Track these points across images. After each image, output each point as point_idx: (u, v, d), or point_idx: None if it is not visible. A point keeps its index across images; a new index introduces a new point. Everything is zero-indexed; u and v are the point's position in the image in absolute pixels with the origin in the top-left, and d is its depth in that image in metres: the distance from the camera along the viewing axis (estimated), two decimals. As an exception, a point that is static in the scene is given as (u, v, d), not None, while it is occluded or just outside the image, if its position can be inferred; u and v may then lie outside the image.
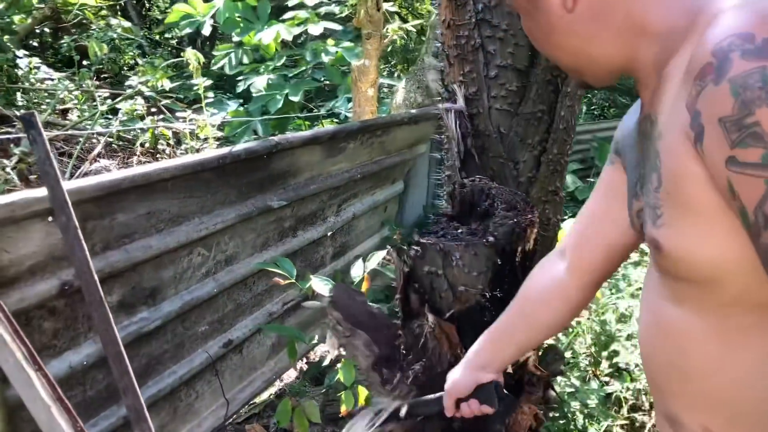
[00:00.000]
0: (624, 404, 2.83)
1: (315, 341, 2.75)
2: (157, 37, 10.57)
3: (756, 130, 0.71)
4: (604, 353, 3.01)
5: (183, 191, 2.32)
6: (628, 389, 2.82)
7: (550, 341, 2.93)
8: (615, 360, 2.90)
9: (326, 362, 2.45)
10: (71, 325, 1.96)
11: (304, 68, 5.36)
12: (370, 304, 2.09)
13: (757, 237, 0.75)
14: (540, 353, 2.06)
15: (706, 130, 0.76)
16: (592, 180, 5.83)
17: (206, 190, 2.43)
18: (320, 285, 2.37)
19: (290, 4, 4.95)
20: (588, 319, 3.04)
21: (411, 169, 3.99)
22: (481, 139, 2.07)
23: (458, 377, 1.45)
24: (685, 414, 0.99)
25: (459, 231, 1.75)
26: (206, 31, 4.53)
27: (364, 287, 2.37)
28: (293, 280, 2.43)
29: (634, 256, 3.69)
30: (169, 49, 10.34)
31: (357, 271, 2.48)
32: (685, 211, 0.84)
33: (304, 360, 3.46)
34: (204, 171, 2.36)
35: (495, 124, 2.05)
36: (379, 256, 2.51)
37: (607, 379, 3.00)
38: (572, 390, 2.69)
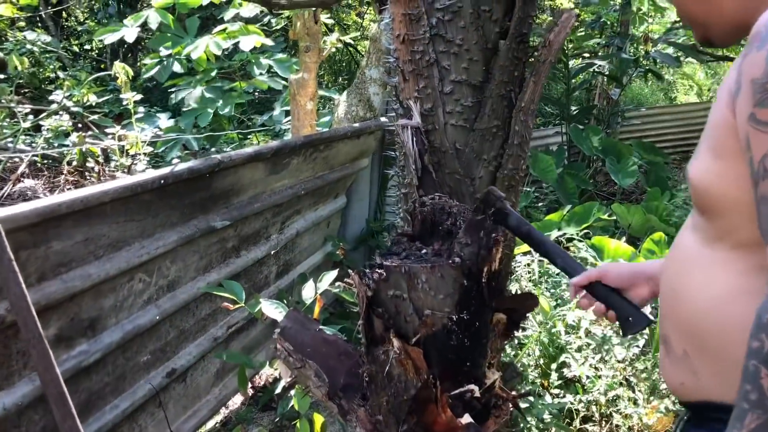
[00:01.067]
0: (576, 416, 2.84)
1: (262, 365, 2.65)
2: (77, 49, 10.19)
3: None
4: (554, 365, 3.01)
5: (122, 215, 2.19)
6: (580, 401, 2.83)
7: (506, 358, 2.91)
8: (565, 371, 2.90)
9: (278, 389, 2.35)
10: (4, 363, 1.81)
11: (236, 82, 5.23)
12: (326, 330, 2.02)
13: (755, 184, 0.90)
14: (500, 364, 2.03)
15: (742, 88, 0.91)
16: (527, 189, 5.89)
17: (147, 213, 2.30)
18: (270, 308, 2.28)
19: (226, 17, 4.81)
20: (538, 331, 3.03)
21: (353, 183, 3.93)
22: (437, 156, 2.02)
23: (616, 265, 1.46)
24: (673, 335, 1.16)
25: (423, 252, 1.70)
26: (130, 38, 4.33)
27: (317, 310, 2.29)
28: (242, 304, 2.33)
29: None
30: (91, 61, 9.98)
31: (308, 292, 2.40)
32: (714, 152, 1.02)
33: (250, 384, 3.34)
34: (144, 192, 2.23)
35: (451, 140, 2.01)
36: (330, 277, 2.44)
37: (557, 391, 2.99)
38: (527, 405, 2.67)
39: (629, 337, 2.90)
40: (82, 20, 11.10)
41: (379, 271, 1.64)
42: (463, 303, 1.63)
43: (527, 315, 2.15)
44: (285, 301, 3.11)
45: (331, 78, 12.62)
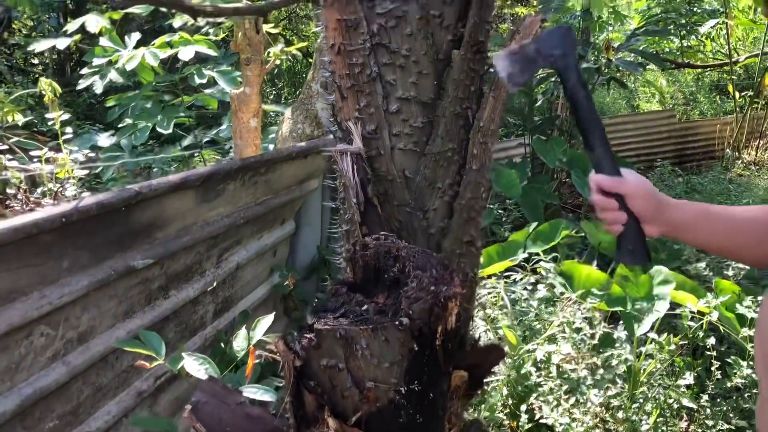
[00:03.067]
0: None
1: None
2: (19, 63, 9.74)
3: None
4: (523, 406, 2.73)
5: (15, 261, 1.86)
6: (553, 449, 2.55)
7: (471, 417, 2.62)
8: (537, 416, 2.62)
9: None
10: None
11: (180, 97, 4.89)
12: (254, 393, 1.71)
13: None
14: (462, 426, 1.74)
15: None
16: (490, 206, 5.64)
17: (47, 256, 1.96)
18: (195, 366, 1.95)
19: (176, 25, 4.48)
20: (506, 372, 2.75)
21: (302, 207, 3.61)
22: (384, 185, 1.73)
23: (642, 192, 1.31)
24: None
25: (363, 308, 1.40)
26: (61, 45, 3.98)
27: (249, 365, 1.97)
28: (161, 361, 2.00)
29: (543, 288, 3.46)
30: (33, 76, 9.53)
31: (240, 343, 2.08)
32: None
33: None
34: (43, 233, 1.90)
35: (399, 167, 1.72)
36: (266, 323, 2.12)
37: (527, 435, 2.72)
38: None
39: (605, 381, 2.64)
40: (27, 33, 10.62)
41: (309, 335, 1.33)
42: (413, 372, 1.33)
43: (492, 370, 1.87)
44: (223, 344, 2.78)
45: (291, 90, 12.31)
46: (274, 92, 11.59)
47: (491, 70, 1.71)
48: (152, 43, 4.23)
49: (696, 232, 1.33)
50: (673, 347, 2.84)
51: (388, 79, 1.67)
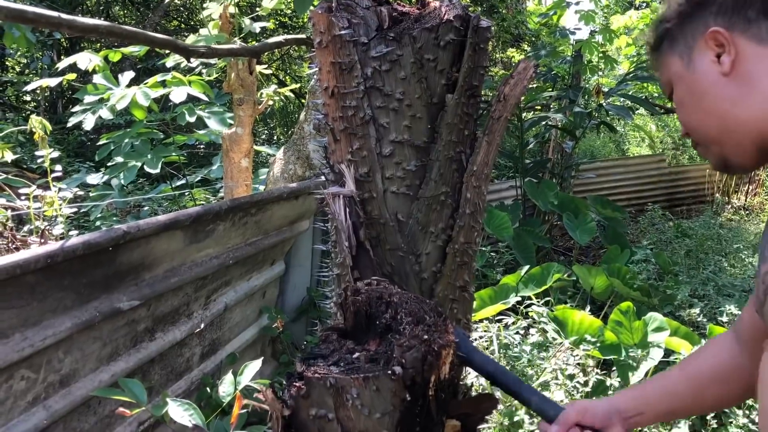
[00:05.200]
0: None
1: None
2: (11, 100, 9.74)
3: None
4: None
5: (-4, 301, 1.81)
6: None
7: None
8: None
9: None
10: None
11: (172, 135, 4.87)
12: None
13: None
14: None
15: None
16: (482, 248, 5.61)
17: (30, 297, 1.92)
18: (179, 411, 1.89)
19: (168, 65, 4.48)
20: (498, 419, 2.69)
21: (292, 248, 3.58)
22: (376, 229, 1.70)
23: (591, 404, 1.35)
24: None
25: (355, 356, 1.35)
26: (52, 83, 3.97)
27: (235, 412, 1.91)
28: (144, 407, 1.94)
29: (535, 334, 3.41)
30: (25, 113, 9.54)
31: (226, 388, 2.02)
32: None
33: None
34: (26, 274, 1.85)
35: (392, 211, 1.69)
36: (253, 368, 2.07)
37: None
38: None
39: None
40: (18, 71, 10.65)
41: (297, 384, 1.29)
42: (405, 423, 1.29)
43: (485, 418, 1.82)
44: (209, 389, 2.72)
45: (283, 131, 12.36)
46: (266, 132, 11.64)
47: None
48: (145, 82, 4.23)
49: (655, 408, 1.34)
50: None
51: (382, 122, 1.65)
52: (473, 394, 1.82)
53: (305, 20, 9.62)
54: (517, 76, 1.73)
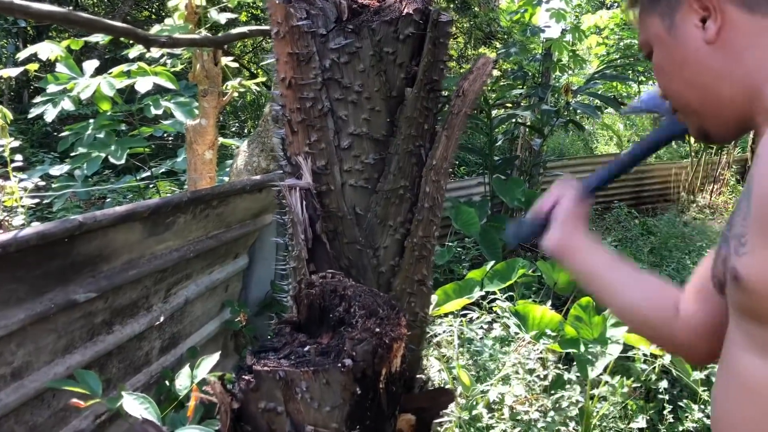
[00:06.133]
0: None
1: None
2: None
3: None
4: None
5: (-56, 292, 1.77)
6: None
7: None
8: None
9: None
10: None
11: (138, 127, 4.80)
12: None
13: None
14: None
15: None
16: (449, 243, 5.63)
17: (-19, 288, 1.88)
18: (134, 405, 1.87)
19: (131, 55, 4.40)
20: (457, 414, 2.70)
21: (256, 241, 3.55)
22: (334, 222, 1.69)
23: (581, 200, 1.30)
24: None
25: (305, 349, 1.35)
26: (13, 73, 3.89)
27: (191, 406, 1.89)
28: (98, 399, 1.91)
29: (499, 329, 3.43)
30: (-12, 102, 9.34)
31: (183, 381, 2.00)
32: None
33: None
34: (-24, 264, 1.81)
35: (350, 204, 1.69)
36: (211, 361, 2.05)
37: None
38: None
39: (556, 423, 2.61)
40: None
41: (247, 377, 1.28)
42: (355, 416, 1.28)
43: (441, 413, 1.83)
44: (168, 382, 2.69)
45: (253, 123, 12.26)
46: (236, 125, 11.55)
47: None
48: (110, 72, 4.16)
49: (592, 256, 1.24)
50: (626, 390, 2.83)
51: (340, 115, 1.64)
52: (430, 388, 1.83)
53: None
54: (476, 71, 1.74)
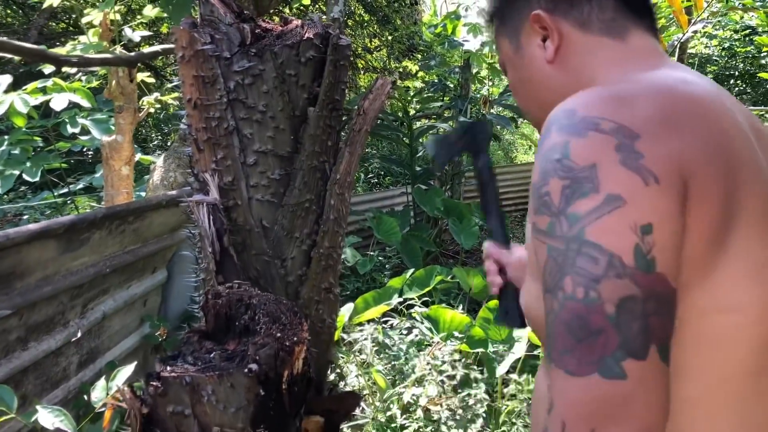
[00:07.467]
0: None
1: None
2: None
3: (546, 199, 0.75)
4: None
5: None
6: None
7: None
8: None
9: None
10: None
11: (54, 143, 4.75)
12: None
13: (544, 299, 0.76)
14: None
15: (530, 197, 0.80)
16: (371, 253, 5.76)
17: None
18: (50, 418, 1.90)
19: (46, 71, 4.35)
20: (373, 414, 2.81)
21: (174, 255, 3.58)
22: (242, 235, 1.78)
23: (515, 261, 1.38)
24: None
25: (211, 355, 1.43)
26: None
27: (106, 417, 1.94)
28: (13, 414, 1.93)
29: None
30: None
31: (98, 393, 2.05)
32: (530, 272, 0.92)
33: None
34: None
35: (257, 217, 1.78)
36: (126, 373, 2.09)
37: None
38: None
39: (465, 421, 2.75)
40: None
41: (155, 383, 1.35)
42: (259, 416, 1.38)
43: (348, 415, 1.93)
44: (86, 396, 2.70)
45: (176, 138, 12.12)
46: (158, 138, 11.41)
47: (422, 149, 1.85)
48: (24, 88, 4.12)
49: None
50: (532, 387, 3.00)
51: (246, 133, 1.73)
52: (339, 391, 1.93)
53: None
54: (375, 91, 1.87)
